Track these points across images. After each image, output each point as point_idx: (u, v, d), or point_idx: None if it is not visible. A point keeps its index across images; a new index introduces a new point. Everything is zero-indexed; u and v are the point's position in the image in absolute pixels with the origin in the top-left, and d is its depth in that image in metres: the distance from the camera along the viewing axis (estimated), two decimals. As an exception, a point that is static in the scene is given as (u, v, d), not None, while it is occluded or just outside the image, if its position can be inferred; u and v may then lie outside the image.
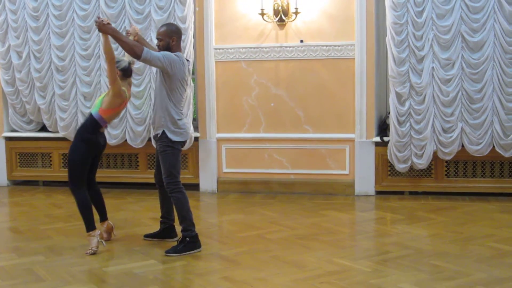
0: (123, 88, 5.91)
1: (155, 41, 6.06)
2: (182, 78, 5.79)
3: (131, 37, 5.97)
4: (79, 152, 5.93)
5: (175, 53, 5.79)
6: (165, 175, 5.86)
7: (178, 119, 5.83)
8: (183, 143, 5.99)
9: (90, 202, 5.99)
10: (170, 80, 5.72)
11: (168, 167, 5.83)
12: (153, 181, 8.99)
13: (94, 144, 5.98)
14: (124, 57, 6.07)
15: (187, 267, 5.48)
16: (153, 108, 5.98)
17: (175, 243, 5.94)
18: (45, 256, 5.82)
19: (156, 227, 6.71)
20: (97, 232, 5.89)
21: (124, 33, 6.32)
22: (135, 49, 5.55)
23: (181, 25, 8.28)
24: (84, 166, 5.95)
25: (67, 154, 6.15)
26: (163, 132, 5.80)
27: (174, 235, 6.25)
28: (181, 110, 5.92)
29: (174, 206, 5.97)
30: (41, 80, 9.06)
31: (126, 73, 6.04)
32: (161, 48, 5.84)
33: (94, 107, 6.00)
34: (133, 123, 8.74)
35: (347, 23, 8.22)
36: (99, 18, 5.64)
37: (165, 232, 6.28)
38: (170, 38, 5.81)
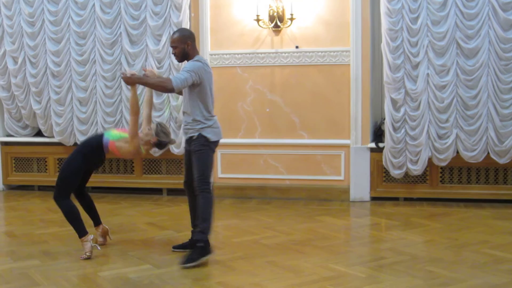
0: (143, 147, 5.85)
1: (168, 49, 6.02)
2: (209, 79, 5.76)
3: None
4: (75, 166, 5.88)
5: (195, 59, 5.74)
6: (198, 174, 5.74)
7: (211, 120, 5.78)
8: (218, 142, 5.90)
9: (76, 209, 5.90)
10: (200, 85, 5.66)
11: (202, 166, 5.75)
12: (148, 186, 9.08)
13: (93, 161, 5.98)
14: (170, 136, 5.98)
15: (183, 272, 5.46)
16: (184, 113, 5.85)
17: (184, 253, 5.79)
18: (40, 260, 5.81)
19: (152, 232, 6.72)
20: (90, 236, 5.87)
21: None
22: (164, 85, 5.55)
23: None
24: (76, 178, 5.92)
25: (62, 164, 6.11)
26: (199, 134, 5.73)
27: None
28: (212, 111, 5.84)
29: (198, 206, 5.76)
30: (37, 85, 9.06)
31: (160, 146, 5.97)
32: (177, 55, 5.79)
33: (110, 134, 5.92)
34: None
35: (343, 29, 8.25)
36: (123, 73, 5.68)
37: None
38: (185, 43, 5.73)
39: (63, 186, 5.88)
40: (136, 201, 8.66)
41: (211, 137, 5.76)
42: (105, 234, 6.32)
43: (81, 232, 5.85)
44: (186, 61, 5.86)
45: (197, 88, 5.67)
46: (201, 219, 5.72)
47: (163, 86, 5.59)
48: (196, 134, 5.74)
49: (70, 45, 8.86)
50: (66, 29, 8.86)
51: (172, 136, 8.28)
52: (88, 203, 6.27)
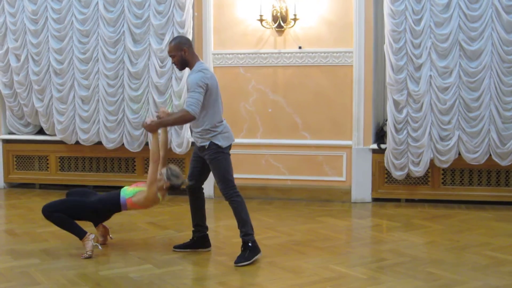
0: (159, 194, 5.81)
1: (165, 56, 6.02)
2: (214, 86, 5.71)
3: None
4: (81, 206, 5.90)
5: (195, 68, 5.69)
6: (220, 183, 5.71)
7: (219, 124, 5.71)
8: (231, 145, 5.84)
9: (65, 216, 5.83)
10: (208, 94, 5.62)
11: (223, 173, 5.70)
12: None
13: (99, 214, 5.96)
14: (182, 177, 5.89)
15: (183, 272, 5.47)
16: (195, 122, 5.73)
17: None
18: (40, 259, 5.81)
19: (152, 231, 6.71)
20: (91, 236, 5.86)
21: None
22: (184, 118, 5.57)
23: (179, 30, 8.32)
24: (79, 214, 5.90)
25: (67, 192, 6.22)
26: (211, 142, 5.67)
27: (208, 245, 6.10)
28: (220, 116, 5.77)
29: (234, 213, 5.77)
30: (39, 83, 9.06)
31: (173, 190, 5.92)
32: (176, 63, 5.77)
33: (126, 193, 5.88)
34: (130, 127, 8.75)
35: (346, 30, 8.24)
36: (145, 123, 5.69)
37: (199, 241, 6.08)
38: (181, 50, 5.69)
39: (58, 208, 5.82)
40: (138, 200, 8.65)
41: (223, 143, 5.70)
42: (105, 233, 6.32)
43: (81, 233, 5.83)
44: (188, 69, 5.83)
45: (205, 95, 5.62)
46: (240, 224, 5.74)
47: (183, 120, 5.63)
48: (207, 143, 5.70)
49: (73, 43, 8.86)
50: (69, 27, 8.86)
51: (176, 144, 8.29)
52: None
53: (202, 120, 5.66)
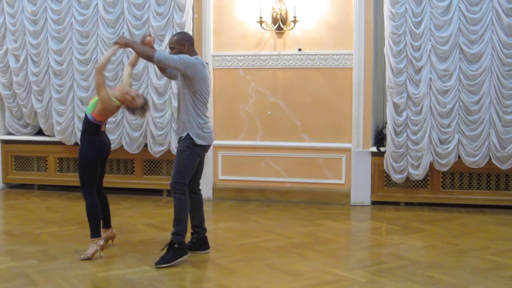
0: (113, 98, 5.84)
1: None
2: (204, 80, 5.72)
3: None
4: (88, 156, 5.91)
5: (194, 56, 5.76)
6: (173, 174, 5.73)
7: (203, 123, 5.75)
8: (206, 147, 5.87)
9: (100, 209, 5.95)
10: (192, 83, 5.65)
11: (180, 166, 5.71)
12: (148, 187, 9.07)
13: (100, 144, 5.97)
14: (143, 115, 5.99)
15: (182, 274, 5.46)
16: (177, 113, 5.92)
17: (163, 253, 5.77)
18: (39, 260, 5.80)
19: (151, 233, 6.69)
20: (100, 241, 5.87)
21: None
22: (147, 53, 5.63)
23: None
24: (94, 168, 5.94)
25: (77, 159, 6.10)
26: (187, 134, 5.71)
27: (206, 247, 6.10)
28: (205, 113, 5.82)
29: (174, 208, 5.75)
30: (39, 84, 9.05)
31: (130, 111, 5.99)
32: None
33: (88, 108, 5.95)
34: (129, 129, 8.74)
35: (345, 32, 8.23)
36: (121, 37, 5.87)
37: (198, 243, 6.07)
38: (182, 45, 5.78)
39: (84, 179, 5.94)
40: (136, 202, 8.65)
41: (197, 140, 5.73)
42: (109, 238, 6.27)
43: (96, 233, 5.89)
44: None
45: (190, 85, 5.67)
46: (175, 221, 5.71)
47: (147, 55, 5.65)
48: (184, 134, 5.76)
49: (72, 44, 8.85)
50: (69, 28, 8.85)
51: (175, 146, 8.29)
52: (104, 204, 6.19)
53: (188, 102, 5.71)
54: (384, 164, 8.13)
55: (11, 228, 7.22)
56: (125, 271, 5.48)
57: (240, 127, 8.63)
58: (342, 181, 8.43)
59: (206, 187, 8.74)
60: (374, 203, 8.36)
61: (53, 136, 9.23)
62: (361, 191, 8.34)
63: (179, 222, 5.70)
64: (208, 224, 7.31)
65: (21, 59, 9.10)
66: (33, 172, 9.56)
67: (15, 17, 9.04)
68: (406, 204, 8.34)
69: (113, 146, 8.78)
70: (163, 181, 8.84)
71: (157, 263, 5.56)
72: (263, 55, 8.47)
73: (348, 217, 7.88)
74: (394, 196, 8.34)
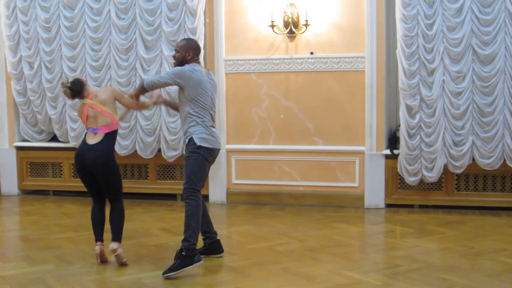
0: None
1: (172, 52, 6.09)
2: (199, 84, 5.65)
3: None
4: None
5: (189, 65, 5.75)
6: (184, 181, 5.69)
7: (205, 127, 5.68)
8: (212, 151, 5.74)
9: (95, 216, 5.92)
10: (186, 90, 5.65)
11: (188, 172, 5.65)
12: (162, 191, 9.10)
13: (75, 155, 6.00)
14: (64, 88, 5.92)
15: (196, 278, 5.46)
16: (180, 121, 5.92)
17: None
18: (55, 265, 5.83)
19: (165, 237, 6.71)
20: (97, 247, 5.83)
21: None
22: (137, 88, 5.95)
23: (191, 37, 8.31)
24: (81, 178, 6.02)
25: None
26: (191, 139, 5.68)
27: (220, 250, 6.06)
28: (207, 117, 5.72)
29: (184, 214, 5.67)
30: (52, 90, 9.11)
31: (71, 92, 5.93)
32: (176, 59, 5.84)
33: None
34: (143, 134, 8.77)
35: (357, 35, 8.23)
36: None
37: (211, 247, 6.03)
38: (187, 51, 5.79)
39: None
40: (150, 207, 8.68)
41: (199, 141, 5.65)
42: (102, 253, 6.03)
43: (95, 237, 5.88)
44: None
45: (185, 92, 5.67)
46: (185, 227, 5.62)
47: (138, 89, 5.94)
48: (187, 139, 5.73)
49: (85, 51, 8.91)
50: (82, 34, 8.91)
51: None
52: (111, 214, 6.02)
53: (185, 109, 5.71)
54: (398, 167, 8.11)
55: (27, 233, 7.27)
56: (140, 276, 5.50)
57: (253, 131, 8.65)
58: (356, 184, 8.42)
59: (219, 191, 8.78)
60: (388, 206, 8.34)
61: (68, 142, 9.29)
62: (375, 194, 8.33)
63: (188, 228, 5.60)
64: (222, 228, 7.36)
65: (35, 66, 9.17)
66: (48, 178, 9.63)
67: (29, 24, 9.11)
68: (421, 206, 8.31)
69: (127, 152, 8.87)
70: (177, 186, 8.83)
71: (164, 272, 5.46)
72: (275, 59, 8.48)
73: (362, 220, 7.86)
74: (408, 198, 8.32)
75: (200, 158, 5.67)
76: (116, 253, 5.76)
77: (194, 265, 5.53)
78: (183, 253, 5.49)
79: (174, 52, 5.94)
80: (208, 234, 6.06)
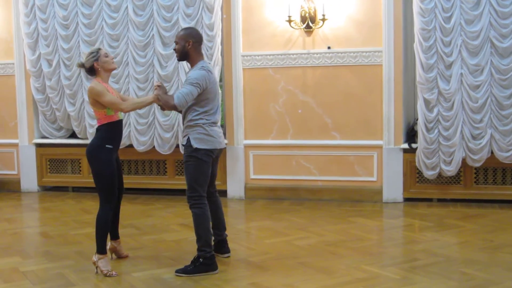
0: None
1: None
2: (212, 87, 5.50)
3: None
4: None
5: (199, 65, 5.52)
6: (186, 188, 5.52)
7: (204, 125, 5.47)
8: (210, 152, 5.49)
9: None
10: (201, 93, 5.42)
11: (189, 180, 5.46)
12: (181, 187, 9.12)
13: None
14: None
15: (215, 273, 5.48)
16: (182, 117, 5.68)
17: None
18: (75, 260, 5.88)
19: (184, 233, 6.74)
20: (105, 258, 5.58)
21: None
22: (170, 103, 5.37)
23: (208, 33, 8.35)
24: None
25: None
26: (188, 139, 5.47)
27: (226, 250, 5.93)
28: (210, 116, 5.52)
29: (193, 223, 5.54)
30: (71, 87, 9.18)
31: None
32: (176, 51, 5.62)
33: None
34: (161, 130, 8.81)
35: (375, 29, 8.20)
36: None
37: (216, 247, 5.87)
38: (186, 41, 5.52)
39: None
40: (169, 202, 8.72)
41: (195, 143, 5.43)
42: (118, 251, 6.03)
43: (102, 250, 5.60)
44: (187, 63, 5.71)
45: (199, 95, 5.43)
46: (196, 236, 5.51)
47: (169, 106, 5.42)
48: (185, 139, 5.53)
49: (103, 47, 8.93)
50: (100, 31, 8.97)
51: None
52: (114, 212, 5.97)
53: (187, 115, 5.50)
54: (416, 161, 8.09)
55: (47, 229, 7.34)
56: (159, 271, 5.53)
57: (270, 126, 8.65)
58: (374, 178, 8.40)
59: (238, 187, 8.80)
60: (406, 200, 8.32)
61: (86, 138, 9.34)
62: (393, 188, 8.30)
63: (199, 238, 5.49)
64: (241, 223, 7.38)
65: (54, 63, 9.24)
66: (67, 175, 9.70)
67: (47, 22, 9.18)
68: (439, 200, 8.28)
69: (145, 148, 8.94)
70: (195, 181, 8.90)
71: (177, 270, 5.45)
72: (293, 54, 8.48)
73: (380, 214, 7.85)
74: (427, 192, 8.29)
75: (198, 163, 5.45)
76: (96, 265, 5.50)
77: (209, 273, 5.43)
78: (200, 259, 5.44)
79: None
80: (216, 231, 5.88)
